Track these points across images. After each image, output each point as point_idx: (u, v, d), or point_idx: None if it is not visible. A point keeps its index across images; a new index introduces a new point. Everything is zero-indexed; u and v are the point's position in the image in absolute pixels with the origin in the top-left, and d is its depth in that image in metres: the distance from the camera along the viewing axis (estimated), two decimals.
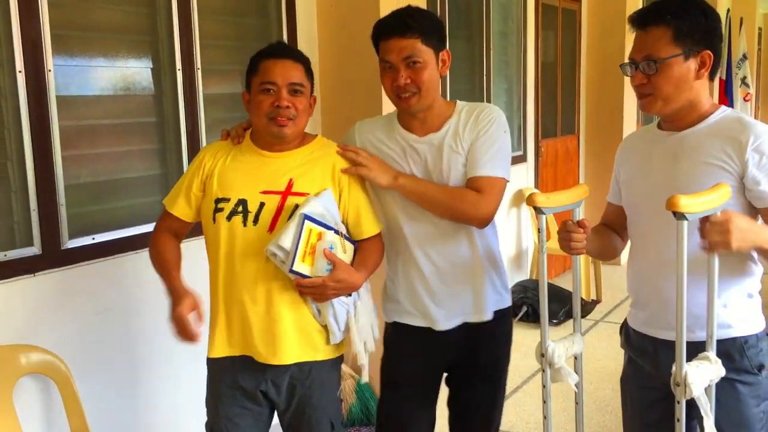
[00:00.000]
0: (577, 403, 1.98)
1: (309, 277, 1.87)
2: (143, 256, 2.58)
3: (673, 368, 1.64)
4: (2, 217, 2.33)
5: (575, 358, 2.05)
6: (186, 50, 2.81)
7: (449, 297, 2.10)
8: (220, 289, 1.97)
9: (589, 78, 6.54)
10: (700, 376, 1.62)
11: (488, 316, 2.12)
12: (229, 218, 1.93)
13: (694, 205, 1.57)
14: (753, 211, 1.75)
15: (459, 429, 2.26)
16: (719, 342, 1.74)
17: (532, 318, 4.94)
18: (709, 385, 1.68)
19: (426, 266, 2.08)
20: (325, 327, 1.97)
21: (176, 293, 1.93)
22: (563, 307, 4.99)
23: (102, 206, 2.62)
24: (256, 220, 1.93)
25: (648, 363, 1.89)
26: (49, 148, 2.38)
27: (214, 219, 1.96)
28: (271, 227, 1.92)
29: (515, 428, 3.57)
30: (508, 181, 2.06)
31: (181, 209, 2.03)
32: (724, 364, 1.73)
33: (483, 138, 2.02)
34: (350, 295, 1.97)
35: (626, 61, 1.82)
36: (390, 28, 1.98)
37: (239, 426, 2.01)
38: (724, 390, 1.76)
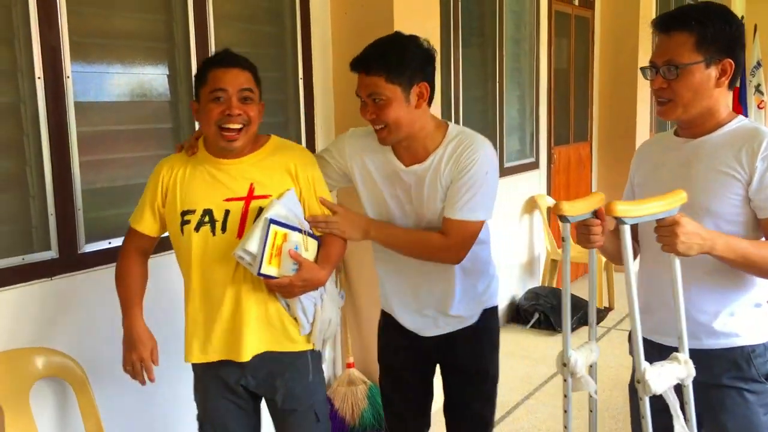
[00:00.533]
0: (591, 411, 1.97)
1: (276, 277, 1.96)
2: (159, 260, 2.60)
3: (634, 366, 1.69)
4: (20, 221, 2.36)
5: (590, 366, 2.05)
6: (202, 57, 2.83)
7: (431, 311, 2.24)
8: (195, 296, 2.05)
9: (601, 85, 6.53)
10: (660, 375, 1.65)
11: (470, 323, 2.24)
12: (197, 229, 1.99)
13: (630, 210, 1.64)
14: (749, 226, 1.76)
15: (453, 426, 2.36)
16: (725, 351, 1.78)
17: (545, 325, 4.94)
18: (684, 386, 1.72)
19: (407, 279, 2.24)
20: (296, 319, 2.07)
21: (137, 336, 2.06)
22: (576, 314, 4.97)
23: (118, 211, 2.64)
24: (224, 228, 1.99)
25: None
26: (67, 154, 2.41)
27: (182, 231, 2.01)
28: (239, 233, 1.98)
29: None
30: (486, 220, 2.12)
31: (147, 225, 2.09)
32: (731, 373, 1.78)
33: (461, 181, 2.05)
34: (317, 289, 2.07)
35: (646, 64, 1.84)
36: (356, 65, 2.03)
37: (225, 417, 2.13)
38: (732, 398, 1.78)
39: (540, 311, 4.98)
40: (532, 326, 4.97)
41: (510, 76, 5.16)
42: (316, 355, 2.15)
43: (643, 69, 1.85)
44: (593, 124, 6.55)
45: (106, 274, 2.52)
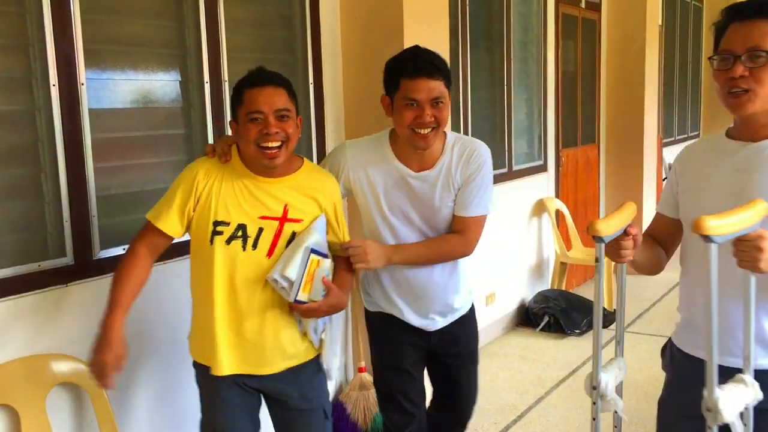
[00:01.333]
0: (615, 427, 1.88)
1: (306, 302, 2.03)
2: (172, 266, 2.62)
3: (704, 392, 1.55)
4: (36, 228, 2.37)
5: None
6: (213, 63, 2.84)
7: (439, 307, 2.41)
8: (218, 307, 2.04)
9: (609, 87, 6.53)
10: (733, 401, 1.53)
11: (465, 311, 2.48)
12: (228, 242, 2.02)
13: (723, 226, 1.47)
14: None
15: (454, 406, 2.57)
16: (763, 371, 1.65)
17: (554, 328, 4.93)
18: (746, 409, 1.59)
19: (416, 283, 2.38)
20: (304, 334, 2.15)
21: (108, 339, 1.97)
22: (585, 317, 4.97)
23: (132, 217, 2.65)
24: (255, 245, 2.02)
25: (698, 388, 1.69)
26: (82, 160, 2.43)
27: (211, 241, 2.02)
28: (270, 252, 2.03)
29: None
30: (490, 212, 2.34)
31: (172, 225, 2.05)
32: (766, 394, 1.65)
33: (474, 183, 2.26)
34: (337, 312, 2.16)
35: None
36: (418, 68, 2.12)
37: (236, 412, 2.17)
38: (765, 422, 1.66)
39: (550, 314, 4.97)
40: (542, 329, 4.97)
41: (517, 79, 5.17)
42: (319, 359, 2.26)
43: (712, 58, 1.69)
44: (601, 126, 6.55)
45: None
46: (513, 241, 5.07)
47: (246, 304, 2.05)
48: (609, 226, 1.66)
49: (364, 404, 3.42)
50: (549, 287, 5.53)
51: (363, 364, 3.55)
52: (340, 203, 2.19)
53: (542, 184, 5.56)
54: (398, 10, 3.28)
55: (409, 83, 2.12)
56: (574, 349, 4.67)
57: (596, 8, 6.33)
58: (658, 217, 1.97)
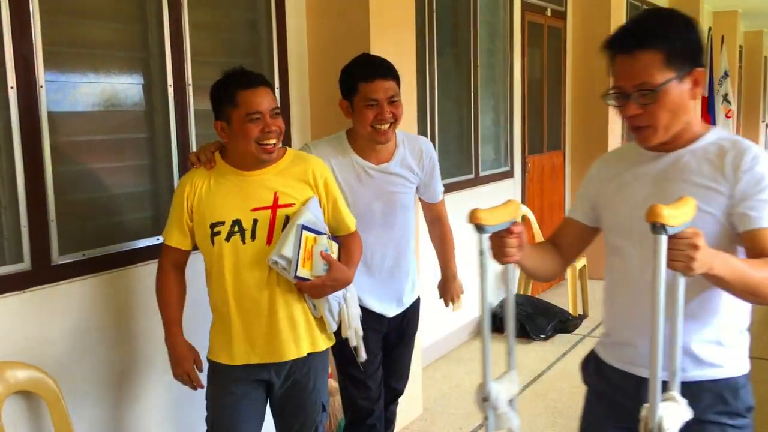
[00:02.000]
0: None
1: (310, 279, 2.13)
2: (134, 272, 2.58)
3: (642, 411, 1.45)
4: None
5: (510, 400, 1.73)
6: (177, 66, 2.81)
7: (397, 295, 2.68)
8: (231, 303, 2.17)
9: (574, 94, 6.61)
10: (675, 419, 1.44)
11: (416, 297, 2.76)
12: (228, 239, 2.14)
13: (676, 216, 1.38)
14: (734, 239, 1.61)
15: (398, 381, 2.85)
16: (712, 383, 1.63)
17: (520, 333, 4.95)
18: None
19: (378, 276, 2.61)
20: (321, 319, 2.25)
21: (179, 353, 2.24)
22: (551, 321, 5.01)
23: (92, 222, 2.61)
24: (253, 236, 2.14)
25: (628, 401, 1.67)
26: (40, 164, 2.38)
27: (212, 242, 2.16)
28: (269, 240, 2.14)
29: None
30: None
31: (177, 239, 2.23)
32: (716, 408, 1.63)
33: (436, 170, 2.68)
34: (344, 287, 2.26)
35: (608, 90, 1.63)
36: (374, 72, 2.41)
37: (244, 416, 2.26)
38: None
39: (516, 319, 5.00)
40: None
41: (484, 86, 5.20)
42: (328, 352, 2.36)
43: (607, 96, 1.64)
44: (566, 133, 6.62)
45: (81, 286, 2.50)
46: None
47: (256, 294, 2.16)
48: (491, 216, 1.55)
49: (330, 410, 3.40)
50: (515, 293, 5.56)
51: (330, 370, 3.52)
52: (331, 181, 2.28)
53: (508, 190, 5.59)
54: (365, 16, 3.29)
55: (368, 86, 2.38)
56: (540, 353, 4.70)
57: (562, 16, 6.41)
58: (567, 222, 1.91)
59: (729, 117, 10.99)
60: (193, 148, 2.90)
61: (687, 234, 1.38)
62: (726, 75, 10.91)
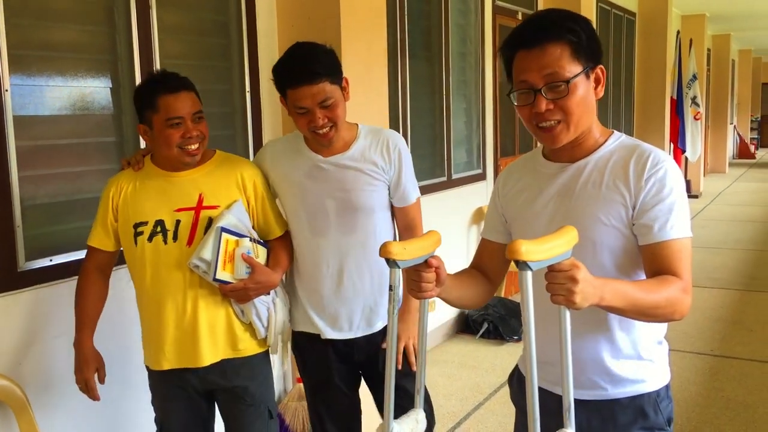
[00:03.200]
0: None
1: (231, 282, 2.09)
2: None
3: None
4: None
5: None
6: (146, 69, 2.78)
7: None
8: (150, 305, 2.14)
9: None
10: None
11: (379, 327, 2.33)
12: (150, 239, 2.11)
13: (538, 252, 1.28)
14: (636, 254, 1.55)
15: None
16: (632, 399, 1.59)
17: (494, 335, 4.99)
18: None
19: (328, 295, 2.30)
20: (250, 324, 2.19)
21: (83, 357, 2.15)
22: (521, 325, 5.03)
23: (60, 227, 2.58)
24: (175, 237, 2.11)
25: (552, 421, 1.55)
26: (6, 168, 2.34)
27: (135, 242, 2.12)
28: (190, 241, 2.10)
29: None
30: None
31: (101, 240, 2.18)
32: (637, 424, 1.59)
33: (404, 164, 2.25)
34: (269, 293, 2.20)
35: (513, 88, 1.55)
36: (299, 78, 2.07)
37: (182, 419, 2.24)
38: None
39: (489, 321, 5.03)
40: (482, 336, 5.02)
41: (456, 89, 5.23)
42: (266, 356, 2.28)
43: (512, 94, 1.56)
44: None
45: (48, 292, 2.46)
46: (452, 249, 5.11)
47: (177, 296, 2.11)
48: (405, 251, 1.46)
49: (303, 414, 3.39)
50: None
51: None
52: (261, 184, 2.22)
53: (481, 193, 5.62)
54: (335, 19, 3.28)
55: (294, 93, 2.09)
56: (513, 355, 4.72)
57: None
58: (484, 244, 1.81)
59: (698, 119, 11.16)
60: None
61: (564, 267, 1.31)
62: (694, 78, 11.09)
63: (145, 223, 2.11)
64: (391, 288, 1.47)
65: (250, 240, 2.14)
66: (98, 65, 2.72)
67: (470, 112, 5.51)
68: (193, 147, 2.10)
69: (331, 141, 2.18)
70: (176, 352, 2.14)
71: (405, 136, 4.55)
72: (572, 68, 1.49)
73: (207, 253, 2.05)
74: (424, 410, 1.82)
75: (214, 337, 2.14)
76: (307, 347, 2.36)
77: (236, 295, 2.12)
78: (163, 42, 2.86)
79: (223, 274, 2.07)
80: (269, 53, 3.40)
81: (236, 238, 2.10)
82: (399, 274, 1.47)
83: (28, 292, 2.41)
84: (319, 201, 2.22)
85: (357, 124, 2.27)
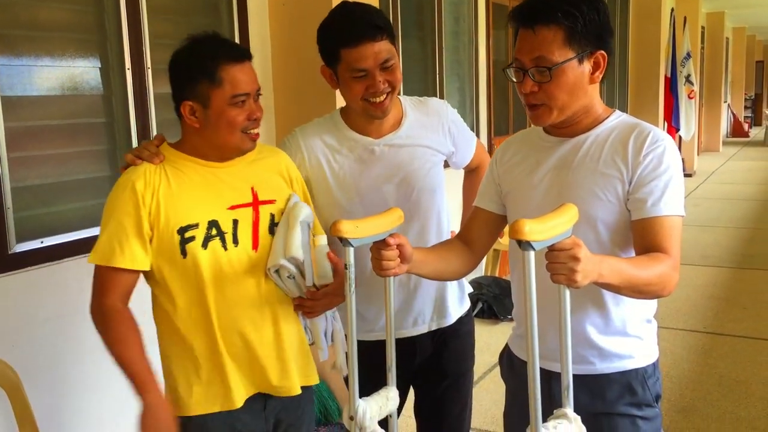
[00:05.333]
0: None
1: (318, 288, 1.73)
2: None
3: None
4: None
5: (390, 416, 1.62)
6: (135, 49, 2.76)
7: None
8: (214, 329, 1.68)
9: None
10: None
11: (451, 320, 2.10)
12: (204, 246, 1.65)
13: (542, 231, 1.27)
14: (628, 229, 1.55)
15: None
16: (620, 374, 1.60)
17: (488, 314, 5.00)
18: None
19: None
20: (312, 345, 1.81)
21: (165, 419, 1.62)
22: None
23: (50, 209, 2.56)
24: (236, 241, 1.69)
25: (542, 396, 1.52)
26: None
27: (183, 252, 1.65)
28: (254, 244, 1.70)
29: (472, 424, 3.60)
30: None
31: (138, 258, 1.64)
32: (624, 399, 1.60)
33: (462, 127, 2.09)
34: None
35: (511, 63, 1.56)
36: (360, 33, 1.81)
37: None
38: (626, 428, 1.61)
39: (483, 300, 5.04)
40: (476, 315, 5.03)
41: (449, 68, 5.20)
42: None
43: (507, 70, 1.58)
44: None
45: (39, 274, 2.45)
46: (446, 229, 5.11)
47: (254, 314, 1.70)
48: (357, 229, 1.42)
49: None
50: (483, 274, 5.61)
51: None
52: (301, 177, 1.89)
53: None
54: None
55: (352, 53, 1.82)
56: (507, 335, 4.70)
57: None
58: (476, 212, 1.79)
59: (692, 98, 11.14)
60: (154, 132, 2.85)
61: (565, 245, 1.29)
62: (688, 56, 11.05)
63: (195, 227, 1.65)
64: (346, 267, 1.46)
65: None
66: (87, 45, 2.69)
67: (464, 91, 5.49)
68: (256, 131, 1.71)
69: (386, 111, 1.89)
70: (255, 379, 1.72)
71: None
72: (562, 53, 1.48)
73: (299, 252, 1.66)
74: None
75: (296, 362, 1.76)
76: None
77: (320, 305, 1.75)
78: (152, 22, 2.83)
79: (316, 278, 1.71)
80: (261, 34, 3.37)
81: (314, 235, 1.76)
82: (352, 252, 1.45)
83: (19, 274, 2.40)
84: (375, 187, 1.95)
85: (399, 98, 2.01)
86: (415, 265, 1.58)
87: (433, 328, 2.06)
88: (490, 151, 5.82)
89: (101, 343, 2.27)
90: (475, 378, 4.04)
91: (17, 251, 2.40)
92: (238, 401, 1.70)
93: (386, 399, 1.57)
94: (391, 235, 1.51)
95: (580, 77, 1.52)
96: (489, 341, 4.60)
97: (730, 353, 4.26)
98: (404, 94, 4.85)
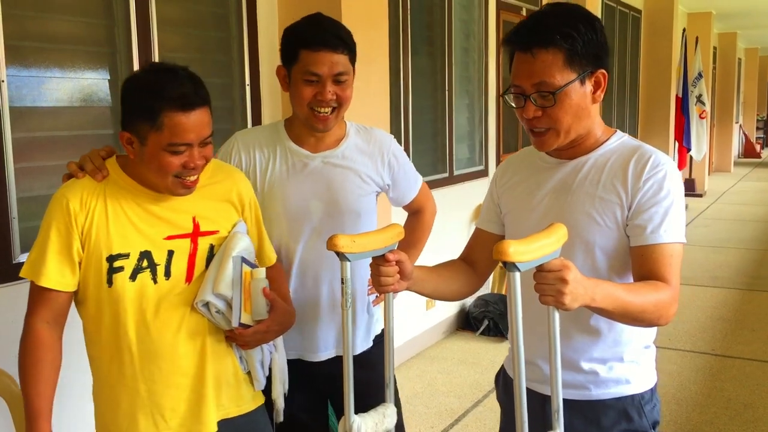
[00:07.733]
0: None
1: (251, 325, 1.68)
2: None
3: None
4: None
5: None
6: (144, 62, 2.77)
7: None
8: (133, 361, 1.63)
9: None
10: None
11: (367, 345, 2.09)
12: (133, 278, 1.60)
13: (526, 252, 1.25)
14: (626, 255, 1.53)
15: None
16: (615, 400, 1.57)
17: (494, 332, 4.97)
18: None
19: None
20: (248, 374, 1.78)
21: None
22: None
23: None
24: (167, 274, 1.62)
25: (535, 422, 1.51)
26: (1, 160, 2.33)
27: (110, 281, 1.59)
28: (188, 277, 1.64)
29: None
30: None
31: (61, 278, 1.59)
32: (620, 426, 1.57)
33: (404, 166, 2.12)
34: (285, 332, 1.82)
35: (509, 88, 1.53)
36: (322, 40, 1.85)
37: None
38: None
39: (489, 318, 5.01)
40: (482, 333, 5.00)
41: (459, 84, 5.20)
42: (263, 409, 1.85)
43: (505, 95, 1.56)
44: None
45: None
46: (453, 246, 5.08)
47: (176, 349, 1.64)
48: (354, 244, 1.41)
49: None
50: (489, 291, 5.58)
51: None
52: (256, 203, 1.83)
53: (483, 189, 5.55)
54: (337, 11, 3.26)
55: (310, 55, 1.84)
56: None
57: None
58: (478, 234, 1.79)
59: (703, 118, 11.11)
60: None
61: (554, 267, 1.28)
62: (700, 76, 11.04)
63: (126, 256, 1.59)
64: (343, 281, 1.45)
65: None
66: (96, 57, 2.71)
67: (473, 107, 5.48)
68: (193, 178, 1.62)
69: (328, 126, 1.91)
70: (179, 418, 1.66)
71: (406, 131, 4.53)
72: (564, 76, 1.46)
73: (227, 289, 1.61)
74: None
75: (220, 394, 1.70)
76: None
77: (252, 339, 1.69)
78: (162, 34, 2.84)
79: (244, 317, 1.65)
80: (270, 46, 3.39)
81: (250, 268, 1.68)
82: (349, 267, 1.44)
83: (24, 284, 2.39)
84: (302, 202, 1.95)
85: (345, 121, 2.05)
86: (415, 283, 1.57)
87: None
88: None
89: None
90: (480, 396, 4.02)
91: (22, 261, 2.39)
92: None
93: (383, 416, 1.56)
94: (390, 251, 1.50)
95: (583, 98, 1.50)
96: (494, 359, 4.57)
97: (738, 376, 4.22)
98: (413, 109, 4.86)
